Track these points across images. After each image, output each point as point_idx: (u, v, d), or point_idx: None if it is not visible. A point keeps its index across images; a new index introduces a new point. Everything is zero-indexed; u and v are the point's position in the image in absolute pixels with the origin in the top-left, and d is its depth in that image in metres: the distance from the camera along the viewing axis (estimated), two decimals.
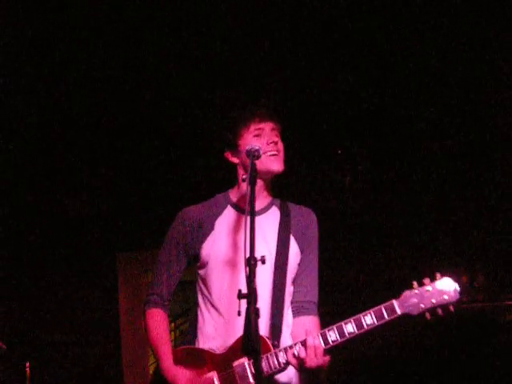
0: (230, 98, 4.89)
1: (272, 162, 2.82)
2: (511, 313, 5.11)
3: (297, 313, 2.86)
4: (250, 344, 2.22)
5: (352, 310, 2.67)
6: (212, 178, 5.39)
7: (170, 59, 4.93)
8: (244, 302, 2.28)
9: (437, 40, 4.67)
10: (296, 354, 2.59)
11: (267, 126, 2.86)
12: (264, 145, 2.80)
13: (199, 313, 2.93)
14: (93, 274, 6.14)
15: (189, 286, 3.04)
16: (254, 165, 2.63)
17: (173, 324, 9.12)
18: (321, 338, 2.60)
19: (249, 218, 2.44)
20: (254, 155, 2.65)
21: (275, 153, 2.83)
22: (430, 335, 5.13)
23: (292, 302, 2.88)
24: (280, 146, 2.88)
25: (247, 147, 2.69)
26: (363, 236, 5.68)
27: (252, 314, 2.23)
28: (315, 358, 2.57)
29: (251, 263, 2.33)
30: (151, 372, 8.53)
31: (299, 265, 2.90)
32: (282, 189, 3.10)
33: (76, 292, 6.10)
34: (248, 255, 2.35)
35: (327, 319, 2.77)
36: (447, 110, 5.13)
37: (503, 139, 5.22)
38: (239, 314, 2.30)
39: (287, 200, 3.05)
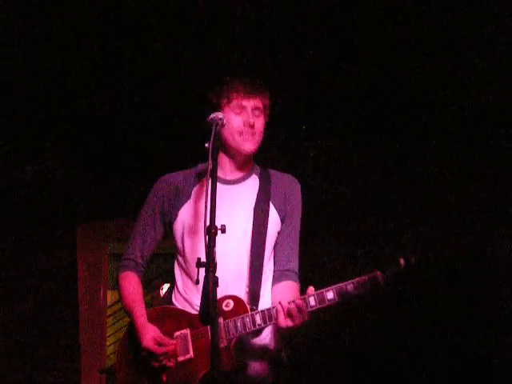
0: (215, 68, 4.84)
1: (243, 142, 2.82)
2: None
3: (277, 280, 2.88)
4: (208, 312, 2.21)
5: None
6: (176, 148, 5.35)
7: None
8: (202, 270, 2.28)
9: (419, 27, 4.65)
10: (277, 312, 2.61)
11: (249, 104, 2.83)
12: (241, 125, 2.80)
13: (177, 274, 2.95)
14: (51, 244, 6.05)
15: (166, 258, 3.05)
16: (216, 133, 2.63)
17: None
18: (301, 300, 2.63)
19: (210, 187, 2.44)
20: (217, 123, 2.64)
21: (249, 136, 2.82)
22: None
23: (275, 270, 2.90)
24: (258, 126, 2.85)
25: (210, 115, 2.68)
26: (327, 216, 5.67)
27: (210, 283, 2.22)
28: (299, 314, 2.58)
29: (211, 231, 2.32)
30: (110, 343, 8.54)
31: (279, 233, 2.91)
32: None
33: (33, 262, 6.02)
34: (208, 224, 2.35)
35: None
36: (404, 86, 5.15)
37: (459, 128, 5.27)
38: (197, 282, 2.29)
39: (270, 167, 3.05)
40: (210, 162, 2.52)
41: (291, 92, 5.16)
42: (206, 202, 2.36)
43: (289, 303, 2.61)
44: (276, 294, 2.83)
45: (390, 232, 5.31)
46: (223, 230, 2.38)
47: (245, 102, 2.82)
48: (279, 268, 2.88)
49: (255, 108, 2.83)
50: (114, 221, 6.10)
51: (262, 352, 2.76)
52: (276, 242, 2.90)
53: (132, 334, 2.84)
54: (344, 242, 5.46)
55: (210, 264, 2.25)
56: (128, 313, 2.89)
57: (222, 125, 2.66)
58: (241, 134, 2.80)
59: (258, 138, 2.86)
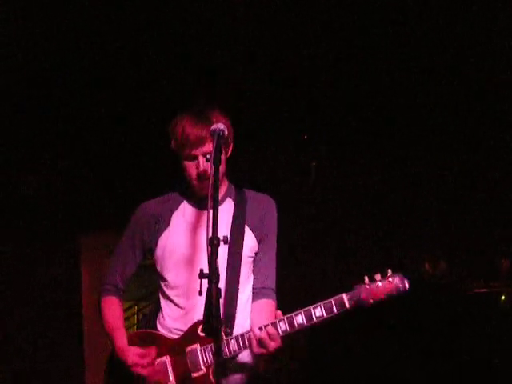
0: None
1: (199, 190, 2.84)
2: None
3: (256, 297, 2.93)
4: (211, 324, 2.22)
5: (309, 299, 2.72)
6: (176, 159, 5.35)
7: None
8: (205, 282, 2.28)
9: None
10: (250, 339, 2.66)
11: (199, 152, 2.81)
12: (195, 173, 2.80)
13: (161, 299, 2.98)
14: (55, 254, 6.07)
15: (152, 270, 3.07)
16: (218, 145, 2.61)
17: (135, 307, 9.09)
18: (271, 326, 2.66)
19: (210, 198, 2.44)
20: (218, 135, 2.63)
21: (203, 184, 2.79)
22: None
23: (252, 289, 2.94)
24: (212, 169, 2.69)
25: (212, 127, 2.67)
26: (325, 223, 5.69)
27: (213, 294, 2.22)
28: (272, 342, 2.63)
29: (214, 243, 2.32)
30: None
31: (257, 254, 2.95)
32: (245, 174, 3.08)
33: (37, 271, 6.03)
34: (211, 235, 2.35)
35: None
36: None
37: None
38: (200, 293, 2.30)
39: (247, 186, 3.05)
40: (212, 172, 2.51)
41: (292, 101, 5.18)
42: (207, 215, 2.35)
43: (260, 330, 2.65)
44: (253, 312, 2.89)
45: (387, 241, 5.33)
46: (225, 241, 2.38)
47: (193, 152, 2.80)
48: (257, 286, 2.93)
49: (207, 153, 2.79)
50: (117, 230, 6.11)
51: (241, 369, 2.81)
52: (254, 261, 2.94)
53: (115, 359, 2.89)
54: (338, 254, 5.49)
55: (213, 275, 2.25)
56: (109, 338, 2.94)
57: (223, 136, 2.66)
58: (196, 180, 2.81)
59: (212, 179, 2.71)
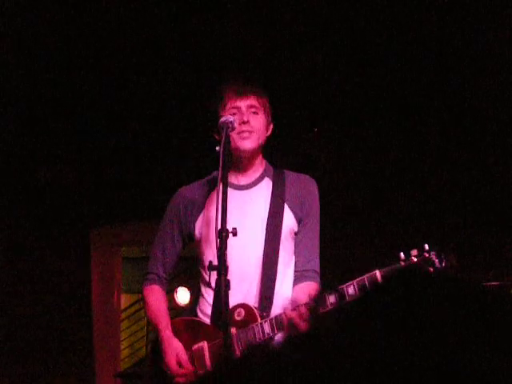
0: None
1: (240, 140, 2.80)
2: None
3: (297, 280, 2.88)
4: (220, 317, 2.22)
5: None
6: (189, 153, 5.36)
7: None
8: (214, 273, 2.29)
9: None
10: (288, 315, 2.60)
11: (243, 103, 2.83)
12: (237, 123, 2.77)
13: (201, 285, 2.96)
14: (65, 248, 6.08)
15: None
16: (227, 137, 2.63)
17: None
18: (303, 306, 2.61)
19: (221, 190, 2.44)
20: (227, 127, 2.64)
21: (245, 134, 2.80)
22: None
23: (294, 272, 2.90)
24: (255, 123, 2.84)
25: (220, 119, 2.69)
26: (341, 213, 5.67)
27: (222, 286, 2.22)
28: (303, 322, 2.56)
29: (222, 235, 2.33)
30: (125, 347, 8.57)
31: (297, 234, 2.90)
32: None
33: (47, 265, 6.05)
34: (219, 227, 2.36)
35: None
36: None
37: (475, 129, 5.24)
38: (209, 285, 2.30)
39: (285, 167, 3.04)
40: (221, 164, 2.53)
41: (301, 94, 5.17)
42: (216, 207, 2.36)
43: (292, 311, 2.59)
44: (295, 296, 2.84)
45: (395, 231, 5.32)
46: (234, 233, 2.38)
47: (238, 103, 2.82)
48: (298, 269, 2.89)
49: (250, 106, 2.83)
50: (127, 225, 6.13)
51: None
52: (295, 244, 2.90)
53: (156, 344, 2.92)
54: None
55: (222, 267, 2.25)
56: (154, 325, 2.97)
57: (233, 128, 2.67)
58: (238, 133, 2.78)
59: (256, 135, 2.83)
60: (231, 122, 2.66)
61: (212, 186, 2.93)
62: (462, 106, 5.17)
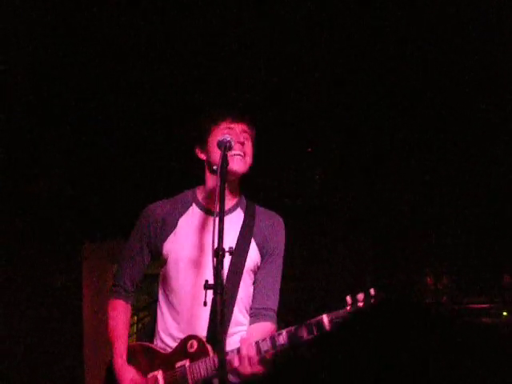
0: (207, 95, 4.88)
1: (233, 161, 2.75)
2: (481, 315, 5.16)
3: (255, 318, 2.86)
4: (215, 335, 2.21)
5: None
6: (183, 169, 5.36)
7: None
8: (210, 293, 2.28)
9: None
10: (231, 361, 2.59)
11: (238, 127, 2.84)
12: (234, 143, 2.73)
13: (158, 309, 2.94)
14: (58, 263, 6.07)
15: (153, 280, 3.06)
16: (225, 156, 2.61)
17: (135, 317, 9.06)
18: (255, 347, 2.59)
19: (218, 208, 2.43)
20: (225, 146, 2.63)
21: (239, 153, 2.79)
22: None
23: (251, 308, 2.88)
24: (247, 148, 2.85)
25: (219, 138, 2.68)
26: (326, 234, 5.69)
27: (218, 305, 2.22)
28: (249, 366, 2.57)
29: (219, 254, 2.31)
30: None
31: (259, 271, 2.89)
32: (252, 187, 3.07)
33: (39, 279, 6.03)
34: (216, 246, 2.34)
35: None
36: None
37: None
38: (205, 304, 2.29)
39: (257, 202, 3.02)
40: (220, 184, 2.50)
41: (297, 114, 5.19)
42: (213, 229, 2.34)
43: (238, 352, 2.58)
44: (249, 335, 2.78)
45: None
46: (231, 252, 2.37)
47: (233, 125, 2.83)
48: (256, 306, 2.86)
49: (243, 131, 2.84)
50: (119, 240, 6.12)
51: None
52: (255, 279, 2.89)
53: (111, 368, 2.89)
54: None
55: (218, 286, 2.24)
56: (111, 345, 2.91)
57: (230, 147, 2.65)
58: (233, 154, 2.74)
59: (248, 160, 2.84)
60: (229, 142, 2.64)
61: (184, 207, 2.91)
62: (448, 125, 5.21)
